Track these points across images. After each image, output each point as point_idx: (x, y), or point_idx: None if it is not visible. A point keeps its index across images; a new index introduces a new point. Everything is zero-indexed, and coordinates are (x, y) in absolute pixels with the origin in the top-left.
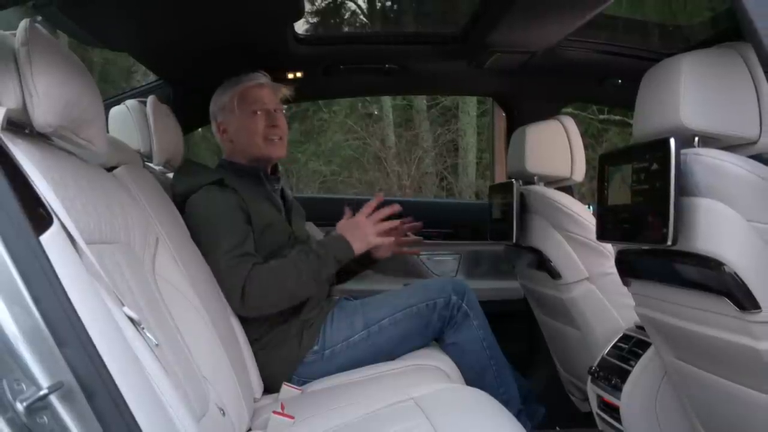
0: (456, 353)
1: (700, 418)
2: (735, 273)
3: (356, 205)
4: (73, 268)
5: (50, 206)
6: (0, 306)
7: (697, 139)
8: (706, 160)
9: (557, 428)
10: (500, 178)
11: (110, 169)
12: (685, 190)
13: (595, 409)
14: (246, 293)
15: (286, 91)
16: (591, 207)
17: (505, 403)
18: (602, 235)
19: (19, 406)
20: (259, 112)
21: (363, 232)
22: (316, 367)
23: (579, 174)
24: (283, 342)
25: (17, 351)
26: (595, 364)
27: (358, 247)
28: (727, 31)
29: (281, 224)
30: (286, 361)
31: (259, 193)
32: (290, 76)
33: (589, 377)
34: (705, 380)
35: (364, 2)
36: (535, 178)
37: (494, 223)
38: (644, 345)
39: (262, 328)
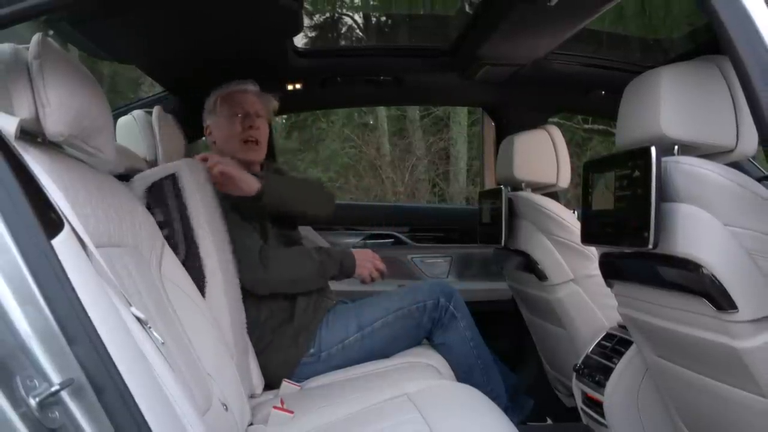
0: (445, 352)
1: (680, 412)
2: (713, 275)
3: (353, 210)
4: (83, 270)
5: (61, 211)
6: (13, 306)
7: (676, 147)
8: (686, 168)
9: (548, 419)
10: (490, 184)
11: (118, 176)
12: (665, 195)
13: (579, 404)
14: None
15: (275, 103)
16: (576, 212)
17: (493, 399)
18: (587, 238)
19: (32, 402)
20: (239, 115)
21: (365, 258)
22: (312, 368)
23: (564, 180)
24: (280, 346)
25: (30, 349)
26: (580, 361)
27: (359, 264)
28: (706, 44)
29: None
30: (283, 363)
31: None
32: (290, 87)
33: (574, 374)
34: (684, 377)
35: (360, 17)
36: (523, 184)
37: (484, 227)
38: (627, 343)
39: (257, 332)
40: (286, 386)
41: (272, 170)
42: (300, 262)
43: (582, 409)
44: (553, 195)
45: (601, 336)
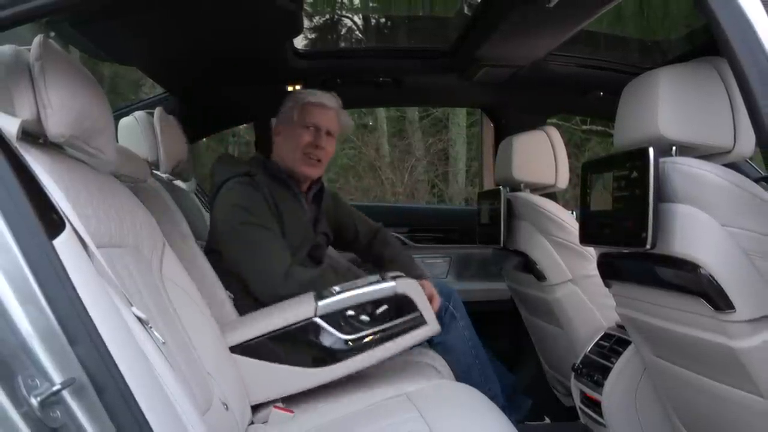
0: (443, 352)
1: (678, 412)
2: (710, 275)
3: None
4: (84, 270)
5: (63, 212)
6: (15, 306)
7: (674, 148)
8: (683, 168)
9: (546, 419)
10: (488, 185)
11: (121, 177)
12: (663, 196)
13: (578, 403)
14: (289, 275)
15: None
16: (574, 212)
17: (490, 399)
18: (585, 239)
19: (34, 401)
20: (310, 128)
21: None
22: None
23: (563, 181)
24: None
25: (31, 348)
26: (578, 361)
27: None
28: (703, 46)
29: (303, 227)
30: None
31: (286, 193)
32: (289, 89)
33: (573, 373)
34: (682, 376)
35: (359, 19)
36: (522, 185)
37: (483, 227)
38: (624, 343)
39: None
40: None
41: (330, 195)
42: (318, 287)
43: (580, 408)
44: (552, 195)
45: (600, 336)
